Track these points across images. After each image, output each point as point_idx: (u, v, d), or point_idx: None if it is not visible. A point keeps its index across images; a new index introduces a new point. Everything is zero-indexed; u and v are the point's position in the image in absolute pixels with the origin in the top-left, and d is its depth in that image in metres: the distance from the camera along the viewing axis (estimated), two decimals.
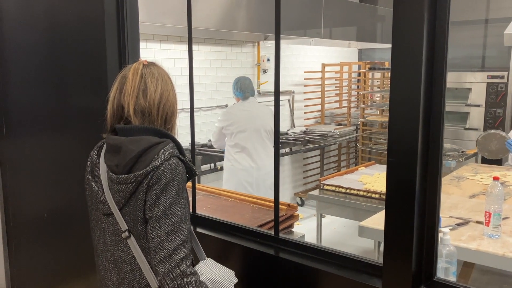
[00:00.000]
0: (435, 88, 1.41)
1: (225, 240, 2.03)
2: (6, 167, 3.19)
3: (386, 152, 4.85)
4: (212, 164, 4.34)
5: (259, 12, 4.39)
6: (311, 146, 5.41)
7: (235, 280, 1.54)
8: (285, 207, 2.73)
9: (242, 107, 3.97)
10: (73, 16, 2.54)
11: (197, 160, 4.07)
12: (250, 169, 3.87)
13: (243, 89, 3.98)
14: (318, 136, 5.39)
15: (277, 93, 1.89)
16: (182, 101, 4.82)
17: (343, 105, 6.30)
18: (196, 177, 4.14)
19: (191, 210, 2.28)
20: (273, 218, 2.67)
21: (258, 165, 3.87)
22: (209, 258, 1.61)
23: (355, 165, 6.51)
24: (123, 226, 1.43)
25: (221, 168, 4.28)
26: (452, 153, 4.84)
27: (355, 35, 5.44)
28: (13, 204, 3.21)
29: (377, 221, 2.89)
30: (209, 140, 4.62)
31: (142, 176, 1.38)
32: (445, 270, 1.59)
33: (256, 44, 5.33)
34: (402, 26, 1.39)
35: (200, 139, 4.69)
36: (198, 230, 2.17)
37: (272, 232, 1.96)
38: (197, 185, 3.34)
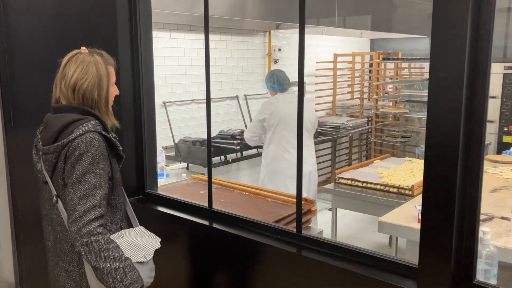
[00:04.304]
0: (478, 78, 1.30)
1: (243, 237, 1.94)
2: (14, 159, 3.11)
3: (399, 145, 4.68)
4: (222, 157, 4.25)
5: (271, 0, 4.26)
6: (322, 138, 5.30)
7: (158, 246, 1.74)
8: (302, 202, 2.62)
9: (284, 98, 3.69)
10: (82, 5, 2.44)
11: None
12: (294, 163, 3.69)
13: (281, 81, 3.71)
14: (330, 128, 5.29)
15: (301, 83, 1.79)
16: (192, 92, 4.74)
17: (354, 97, 6.17)
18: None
19: (207, 205, 2.19)
20: (289, 213, 2.58)
21: (304, 158, 3.65)
22: (140, 226, 1.83)
23: (366, 158, 6.41)
24: (53, 192, 1.66)
25: (232, 161, 4.18)
26: None
27: (368, 24, 5.30)
28: (21, 198, 3.14)
29: (397, 216, 2.79)
30: (220, 132, 4.53)
31: (60, 147, 1.60)
32: (484, 272, 1.49)
33: (267, 33, 5.20)
34: (445, 13, 1.28)
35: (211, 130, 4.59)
36: (214, 225, 2.08)
37: (293, 229, 1.86)
38: None
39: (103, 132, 1.67)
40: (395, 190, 3.26)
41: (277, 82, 3.71)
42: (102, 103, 1.71)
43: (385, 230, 2.77)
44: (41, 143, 1.71)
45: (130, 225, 1.88)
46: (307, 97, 5.27)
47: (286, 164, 3.62)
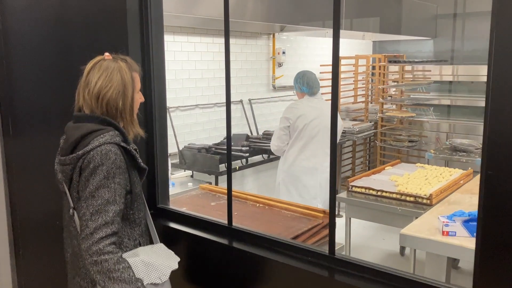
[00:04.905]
0: None
1: (268, 259, 1.79)
2: (13, 168, 2.95)
3: (406, 149, 4.53)
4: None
5: (275, 2, 4.12)
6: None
7: (175, 266, 1.63)
8: (321, 215, 2.49)
9: (310, 103, 3.54)
10: (89, 9, 2.28)
11: (214, 159, 3.83)
12: (313, 171, 3.51)
13: (311, 83, 3.55)
14: None
15: (335, 86, 1.66)
16: (196, 97, 4.57)
17: (358, 100, 6.05)
18: (216, 179, 3.90)
19: (226, 222, 2.04)
20: (308, 227, 2.44)
21: (323, 167, 3.50)
22: (160, 243, 1.74)
23: (369, 163, 6.28)
24: (71, 204, 1.59)
25: (239, 168, 4.04)
26: (469, 148, 4.63)
27: (373, 26, 5.18)
28: (21, 210, 2.97)
29: (418, 228, 2.66)
30: (225, 138, 4.38)
31: (75, 159, 1.53)
32: None
33: (271, 36, 5.07)
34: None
35: (216, 136, 4.45)
36: (235, 245, 1.93)
37: (325, 250, 1.72)
38: (219, 188, 3.10)
39: (122, 144, 1.57)
40: (412, 199, 3.13)
41: (306, 84, 3.55)
42: (127, 111, 1.62)
43: (408, 243, 2.65)
44: (59, 153, 1.65)
45: (151, 241, 1.78)
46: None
47: (303, 172, 3.50)
